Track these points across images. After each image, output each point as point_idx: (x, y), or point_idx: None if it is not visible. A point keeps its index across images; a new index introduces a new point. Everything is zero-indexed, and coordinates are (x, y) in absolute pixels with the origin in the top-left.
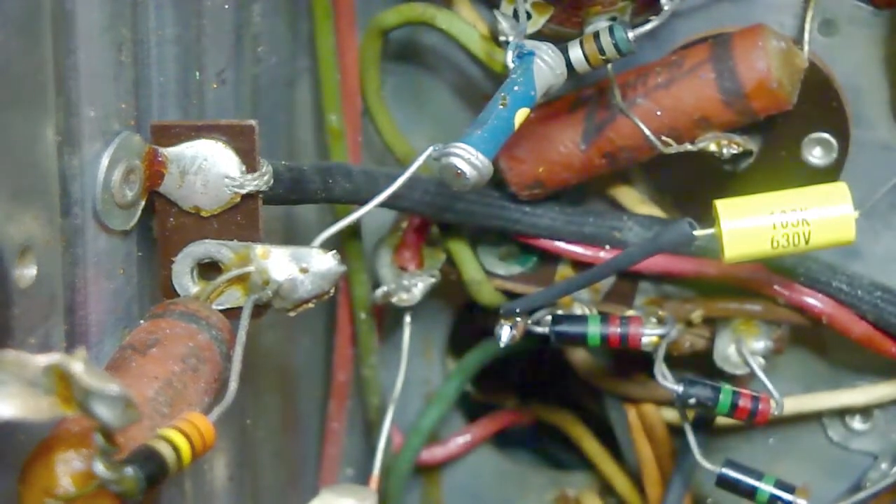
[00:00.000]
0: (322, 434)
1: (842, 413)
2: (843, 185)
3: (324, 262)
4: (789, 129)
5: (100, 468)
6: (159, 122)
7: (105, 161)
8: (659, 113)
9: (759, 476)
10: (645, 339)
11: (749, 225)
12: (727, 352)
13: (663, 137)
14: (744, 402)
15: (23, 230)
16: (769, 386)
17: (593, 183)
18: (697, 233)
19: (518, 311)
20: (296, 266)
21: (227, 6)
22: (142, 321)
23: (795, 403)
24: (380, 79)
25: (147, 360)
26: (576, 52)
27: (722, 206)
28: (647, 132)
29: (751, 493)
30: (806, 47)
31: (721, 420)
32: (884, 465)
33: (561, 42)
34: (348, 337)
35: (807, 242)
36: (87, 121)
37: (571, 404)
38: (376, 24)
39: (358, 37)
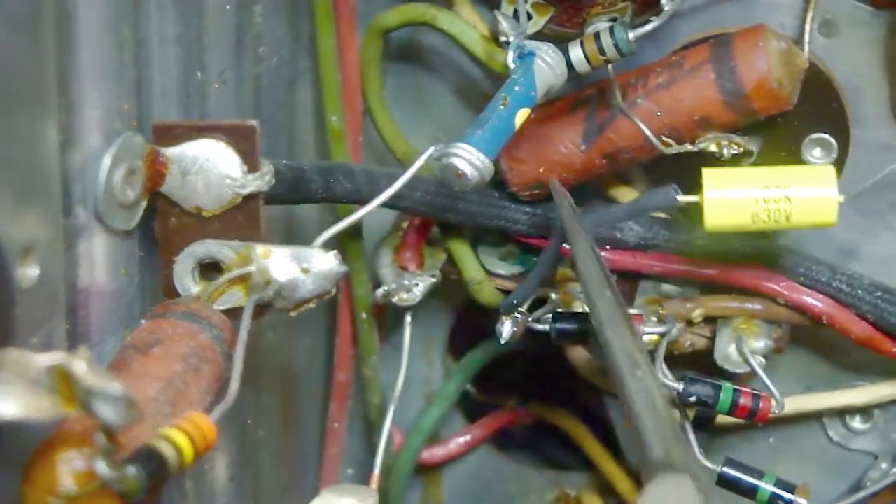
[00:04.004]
0: (323, 434)
1: (842, 413)
2: (830, 168)
3: (325, 262)
4: (789, 129)
5: (102, 467)
6: (161, 122)
7: (107, 161)
8: (659, 113)
9: (759, 475)
10: (645, 338)
11: (732, 196)
12: (728, 351)
13: (663, 138)
14: (744, 401)
15: (25, 230)
16: (770, 385)
17: (593, 183)
18: (681, 198)
19: (516, 302)
20: (297, 266)
21: (228, 7)
22: (143, 321)
23: (796, 403)
24: (381, 79)
25: (149, 359)
26: (576, 53)
27: (708, 174)
28: (648, 132)
29: (751, 492)
30: (806, 47)
31: (721, 419)
32: (884, 465)
33: (561, 42)
34: (349, 337)
35: (787, 220)
36: (88, 121)
37: (571, 404)
38: (377, 24)
39: (359, 37)
